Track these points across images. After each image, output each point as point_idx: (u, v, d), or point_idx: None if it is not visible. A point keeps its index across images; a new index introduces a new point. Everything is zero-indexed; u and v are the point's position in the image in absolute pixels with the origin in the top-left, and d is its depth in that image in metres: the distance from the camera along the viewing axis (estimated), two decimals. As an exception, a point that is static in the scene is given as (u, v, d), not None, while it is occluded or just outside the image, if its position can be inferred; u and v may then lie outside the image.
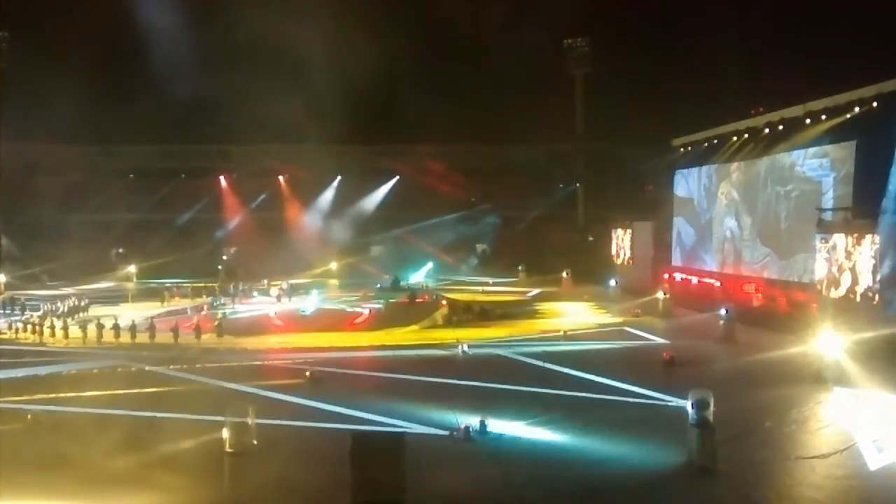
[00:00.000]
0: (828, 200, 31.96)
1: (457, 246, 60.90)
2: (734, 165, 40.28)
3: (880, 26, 36.82)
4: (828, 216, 29.86)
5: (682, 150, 46.67)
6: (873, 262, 26.31)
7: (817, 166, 33.40)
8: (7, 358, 28.08)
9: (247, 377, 23.94)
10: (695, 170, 44.67)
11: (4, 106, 52.35)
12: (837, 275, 28.19)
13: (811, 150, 33.74)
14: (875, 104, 29.82)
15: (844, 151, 31.45)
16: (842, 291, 27.86)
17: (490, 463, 16.09)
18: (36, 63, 48.18)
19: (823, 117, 32.98)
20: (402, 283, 48.35)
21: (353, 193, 62.80)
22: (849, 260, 27.53)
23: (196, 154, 59.02)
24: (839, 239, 28.15)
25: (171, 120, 48.74)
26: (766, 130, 37.02)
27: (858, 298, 26.99)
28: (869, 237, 26.58)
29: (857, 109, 30.88)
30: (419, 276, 53.23)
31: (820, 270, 29.39)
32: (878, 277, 26.08)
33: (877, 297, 26.15)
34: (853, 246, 27.35)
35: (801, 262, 33.73)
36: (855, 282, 27.23)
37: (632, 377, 22.96)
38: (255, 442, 16.67)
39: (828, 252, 28.82)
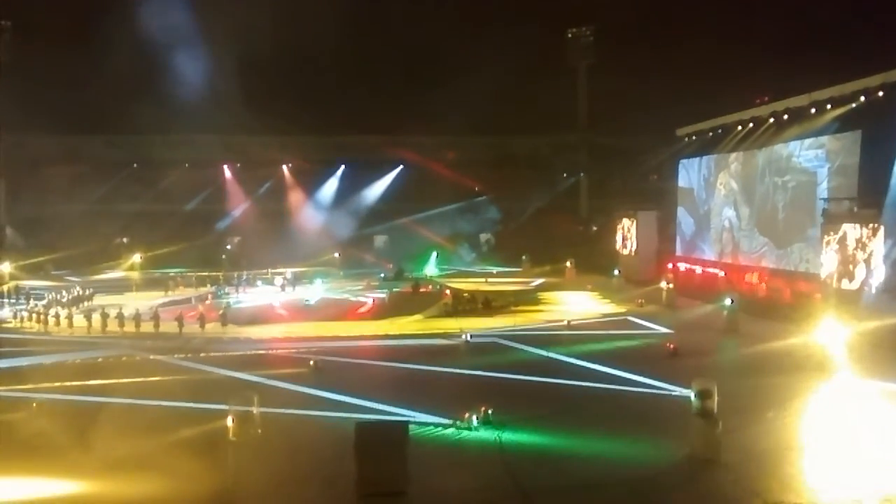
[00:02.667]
0: (822, 191, 32.11)
1: (460, 236, 60.90)
2: (732, 156, 40.35)
3: (885, 15, 36.64)
4: (832, 206, 29.78)
5: (686, 139, 46.59)
6: (878, 251, 26.27)
7: (813, 157, 33.53)
8: (12, 347, 28.19)
9: (251, 366, 24.01)
10: (695, 160, 44.68)
11: (7, 97, 52.37)
12: (841, 265, 28.15)
13: (807, 140, 33.84)
14: (881, 93, 29.72)
15: (839, 143, 31.59)
16: (846, 281, 27.83)
17: (493, 453, 16.10)
18: (39, 53, 48.15)
19: (829, 107, 32.88)
20: (415, 275, 48.47)
21: (356, 183, 62.75)
22: (853, 249, 27.49)
23: (199, 144, 58.91)
24: (844, 229, 28.10)
25: (174, 110, 48.62)
26: (771, 120, 36.93)
27: (862, 288, 26.96)
28: (874, 226, 26.53)
29: (862, 99, 30.77)
30: (431, 268, 53.17)
31: (824, 260, 29.37)
32: (884, 266, 26.04)
33: (882, 286, 26.13)
34: (858, 236, 27.30)
35: (797, 252, 34.01)
36: (860, 271, 27.19)
37: (635, 367, 22.96)
38: (260, 431, 16.71)
39: (832, 242, 28.78)
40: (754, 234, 38.05)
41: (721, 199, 41.52)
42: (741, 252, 39.31)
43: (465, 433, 17.40)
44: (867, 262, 26.82)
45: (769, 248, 36.64)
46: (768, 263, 36.55)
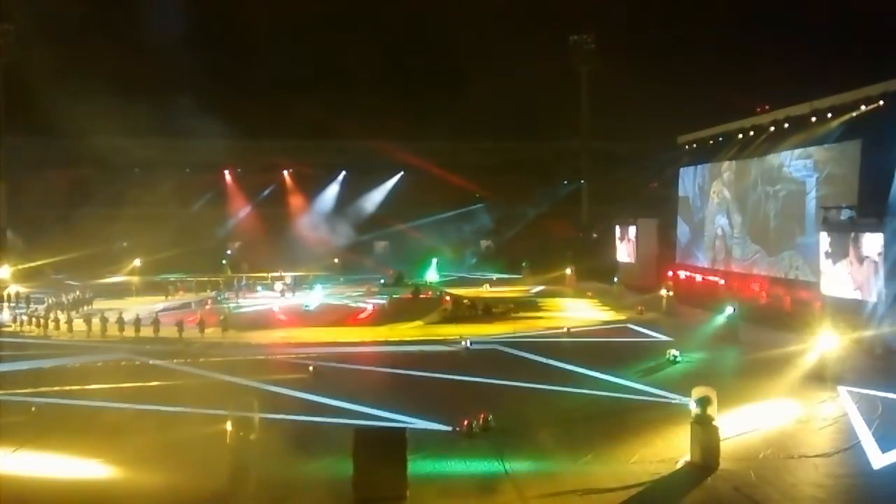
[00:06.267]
0: (811, 200, 32.39)
1: (461, 242, 60.96)
2: (725, 165, 40.71)
3: (886, 24, 36.68)
4: (832, 215, 29.77)
5: (687, 147, 46.66)
6: (878, 260, 26.26)
7: (802, 167, 33.95)
8: (11, 351, 28.18)
9: (250, 371, 23.99)
10: (691, 168, 44.94)
11: (8, 99, 52.49)
12: (840, 273, 28.14)
13: (797, 151, 34.21)
14: (881, 102, 29.75)
15: (828, 153, 32.02)
16: (845, 290, 27.81)
17: (493, 459, 16.07)
18: (41, 57, 48.21)
19: (829, 115, 32.94)
20: (415, 281, 48.48)
21: (357, 189, 62.83)
22: (853, 258, 27.49)
23: (200, 148, 58.92)
24: (844, 238, 28.09)
25: (177, 114, 48.71)
26: (772, 129, 36.97)
27: (862, 297, 26.95)
28: (874, 235, 26.52)
29: (863, 108, 30.80)
30: (433, 275, 53.12)
31: (823, 269, 29.35)
32: (883, 276, 26.03)
33: (881, 295, 26.12)
34: (858, 244, 27.29)
35: (787, 260, 34.36)
36: (859, 280, 27.18)
37: (635, 374, 23.07)
38: (258, 436, 16.68)
39: (832, 250, 28.77)
40: (746, 241, 38.39)
41: (714, 207, 41.86)
42: (733, 259, 39.61)
43: (464, 439, 17.39)
44: (866, 270, 26.80)
45: (761, 256, 36.94)
46: (760, 270, 36.85)
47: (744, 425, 17.71)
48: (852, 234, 27.65)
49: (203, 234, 57.19)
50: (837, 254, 28.44)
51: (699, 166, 43.99)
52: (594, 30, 57.02)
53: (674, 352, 25.74)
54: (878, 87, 30.01)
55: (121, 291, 45.88)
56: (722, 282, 40.36)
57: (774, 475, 15.00)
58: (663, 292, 37.53)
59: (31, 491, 14.49)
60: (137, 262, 54.31)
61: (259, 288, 47.44)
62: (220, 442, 15.06)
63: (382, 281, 49.42)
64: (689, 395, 16.10)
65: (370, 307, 40.21)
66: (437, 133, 55.10)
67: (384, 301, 41.41)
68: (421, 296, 42.44)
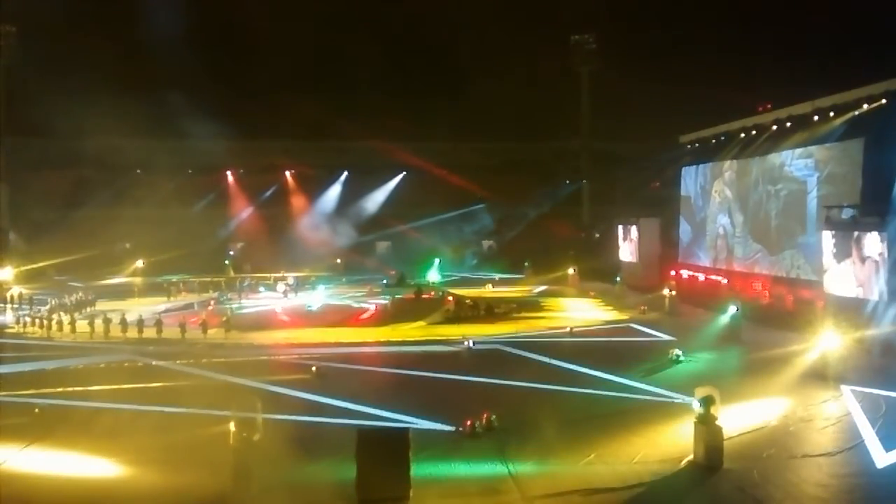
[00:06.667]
0: (812, 199, 32.42)
1: (462, 242, 60.96)
2: (727, 164, 40.75)
3: (889, 23, 36.64)
4: (834, 213, 29.76)
5: (689, 146, 46.67)
6: (880, 259, 26.24)
7: (803, 166, 34.03)
8: (14, 352, 28.20)
9: (253, 372, 23.98)
10: (693, 168, 44.98)
11: (10, 99, 52.52)
12: (842, 272, 28.13)
13: (798, 150, 34.25)
14: (884, 101, 29.72)
15: (828, 152, 32.06)
16: (848, 289, 27.80)
17: (496, 459, 16.07)
18: (42, 58, 48.27)
19: (832, 114, 32.93)
20: (417, 281, 48.49)
21: (359, 189, 62.85)
22: (856, 257, 27.47)
23: (202, 149, 58.99)
24: (846, 237, 28.07)
25: (178, 115, 48.72)
26: (774, 128, 36.95)
27: (864, 296, 26.93)
28: (876, 234, 26.50)
29: (865, 106, 30.78)
30: (435, 275, 53.09)
31: (826, 267, 29.34)
32: (885, 275, 26.01)
33: (882, 294, 26.11)
34: (860, 243, 27.27)
35: (789, 259, 34.44)
36: (861, 279, 27.17)
37: (637, 374, 23.05)
38: (261, 436, 16.69)
39: (834, 249, 28.76)
40: (748, 240, 38.48)
41: (716, 206, 41.93)
42: (735, 258, 39.69)
43: (467, 440, 17.39)
44: (868, 269, 26.79)
45: (762, 255, 37.03)
46: (762, 270, 36.92)
47: (747, 425, 17.71)
48: (855, 234, 27.63)
49: (205, 234, 57.20)
50: (840, 253, 28.41)
51: (701, 166, 44.05)
52: (595, 30, 57.08)
53: (677, 351, 25.73)
54: (881, 86, 29.99)
55: (123, 292, 45.88)
56: (724, 281, 40.36)
57: (778, 475, 14.99)
58: (666, 292, 37.50)
59: (35, 491, 14.54)
60: (140, 263, 54.31)
61: (261, 288, 47.45)
62: (223, 443, 15.06)
63: (385, 281, 49.40)
64: (693, 395, 16.09)
65: (372, 308, 40.20)
66: (437, 133, 55.13)
67: (386, 301, 41.39)
68: (423, 296, 42.41)
